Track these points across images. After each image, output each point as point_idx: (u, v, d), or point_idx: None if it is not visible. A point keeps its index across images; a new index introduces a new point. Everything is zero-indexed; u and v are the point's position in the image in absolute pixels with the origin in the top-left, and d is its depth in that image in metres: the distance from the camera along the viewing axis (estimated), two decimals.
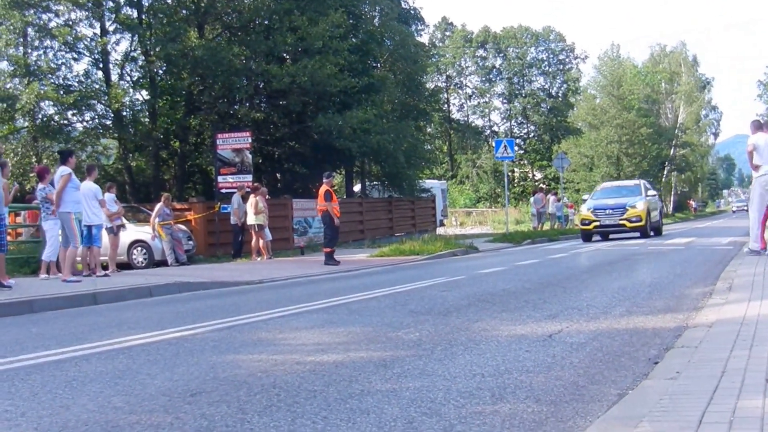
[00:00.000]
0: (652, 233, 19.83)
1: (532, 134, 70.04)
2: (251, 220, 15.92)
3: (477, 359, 4.14)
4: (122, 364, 4.39)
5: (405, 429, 2.86)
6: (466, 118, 71.66)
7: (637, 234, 19.06)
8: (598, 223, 18.91)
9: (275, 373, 3.91)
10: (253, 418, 3.06)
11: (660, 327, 5.08)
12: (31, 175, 17.40)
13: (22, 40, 20.56)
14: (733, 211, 71.11)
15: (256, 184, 17.44)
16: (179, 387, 3.69)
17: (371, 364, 4.11)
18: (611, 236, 19.92)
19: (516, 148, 44.43)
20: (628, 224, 18.57)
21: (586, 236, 19.49)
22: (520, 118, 70.75)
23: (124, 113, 21.65)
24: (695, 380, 3.10)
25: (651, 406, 2.76)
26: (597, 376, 3.68)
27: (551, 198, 30.12)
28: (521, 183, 65.57)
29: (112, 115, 21.27)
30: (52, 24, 20.81)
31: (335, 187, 16.07)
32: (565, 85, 69.40)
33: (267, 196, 17.44)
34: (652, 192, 20.64)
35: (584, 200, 22.51)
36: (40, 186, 11.05)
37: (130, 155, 23.04)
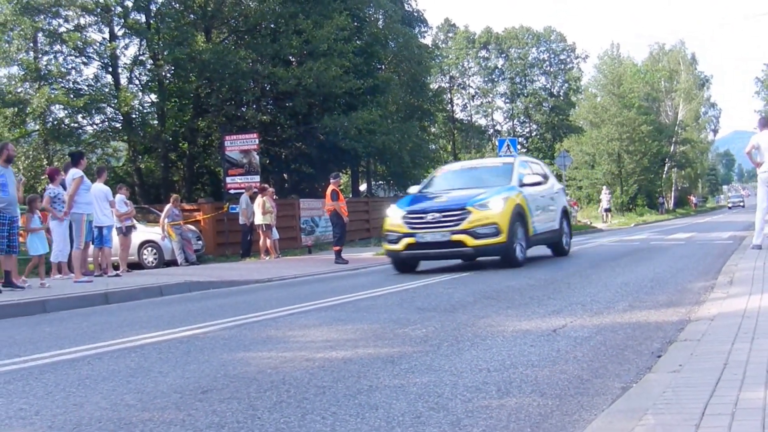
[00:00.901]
0: (550, 250, 12.02)
1: (535, 133, 70.30)
2: (259, 220, 16.03)
3: (483, 354, 4.17)
4: (134, 362, 4.43)
5: (413, 424, 2.89)
6: (469, 118, 71.89)
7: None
8: (412, 241, 9.83)
9: (285, 370, 3.94)
10: (263, 414, 3.08)
11: (663, 321, 5.09)
12: (43, 177, 17.58)
13: (32, 45, 20.84)
14: (729, 207, 69.07)
15: (263, 185, 17.56)
16: (191, 384, 3.72)
17: (379, 360, 4.14)
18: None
19: (519, 146, 44.57)
20: (471, 241, 9.58)
21: (399, 264, 10.53)
22: (522, 118, 71.05)
23: (134, 116, 21.85)
24: (698, 373, 3.12)
25: (654, 399, 2.77)
26: (601, 370, 3.70)
27: None
28: None
29: (122, 118, 21.49)
30: (62, 29, 21.07)
31: (341, 187, 16.14)
32: (566, 85, 69.71)
33: (275, 197, 17.54)
34: (533, 178, 11.24)
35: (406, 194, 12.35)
36: (50, 187, 11.16)
37: (140, 157, 23.26)
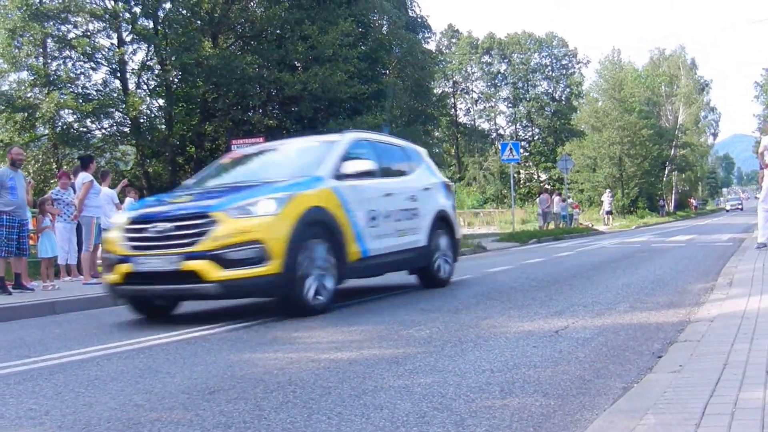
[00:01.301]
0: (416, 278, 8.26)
1: (537, 137, 70.79)
2: None
3: (486, 355, 4.21)
4: (143, 363, 4.47)
5: (417, 423, 2.92)
6: (472, 122, 72.61)
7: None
8: (129, 269, 5.96)
9: (291, 371, 3.98)
10: (269, 415, 3.12)
11: (663, 322, 5.14)
12: (53, 180, 17.74)
13: (41, 50, 21.01)
14: (727, 210, 66.41)
15: None
16: (198, 385, 3.76)
17: (384, 361, 4.18)
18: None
19: (521, 150, 45.22)
20: (214, 272, 5.63)
21: (132, 304, 6.63)
22: (525, 122, 71.70)
23: (141, 120, 22.01)
24: (698, 373, 3.16)
25: (655, 399, 2.81)
26: (602, 371, 3.73)
27: (556, 198, 30.42)
28: (527, 184, 66.44)
29: (130, 123, 21.64)
30: (71, 35, 21.25)
31: None
32: (568, 89, 70.37)
33: None
34: (365, 165, 7.02)
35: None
36: (56, 188, 11.25)
37: (148, 161, 23.40)
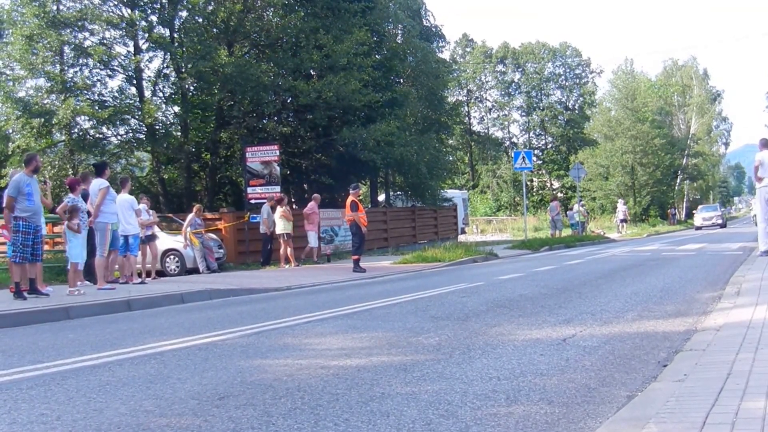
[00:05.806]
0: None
1: (550, 145, 70.88)
2: (280, 229, 16.28)
3: (494, 363, 4.24)
4: (154, 368, 4.51)
5: (423, 430, 2.95)
6: (486, 131, 72.79)
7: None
8: None
9: (300, 377, 4.02)
10: (278, 421, 3.16)
11: (670, 331, 5.15)
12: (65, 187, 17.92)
13: (58, 57, 21.20)
14: (697, 227, 42.81)
15: (281, 195, 17.87)
16: (208, 391, 3.80)
17: (392, 368, 4.22)
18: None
19: (534, 158, 45.32)
20: None
21: None
22: (538, 130, 71.88)
23: (157, 127, 22.14)
24: (701, 382, 3.17)
25: (658, 407, 2.82)
26: (608, 379, 3.76)
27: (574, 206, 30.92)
28: (539, 192, 66.57)
29: (146, 129, 21.78)
30: (88, 43, 21.44)
31: (361, 198, 16.33)
32: (581, 99, 70.45)
33: (292, 206, 17.82)
34: None
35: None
36: (70, 196, 11.35)
37: (163, 167, 23.53)
